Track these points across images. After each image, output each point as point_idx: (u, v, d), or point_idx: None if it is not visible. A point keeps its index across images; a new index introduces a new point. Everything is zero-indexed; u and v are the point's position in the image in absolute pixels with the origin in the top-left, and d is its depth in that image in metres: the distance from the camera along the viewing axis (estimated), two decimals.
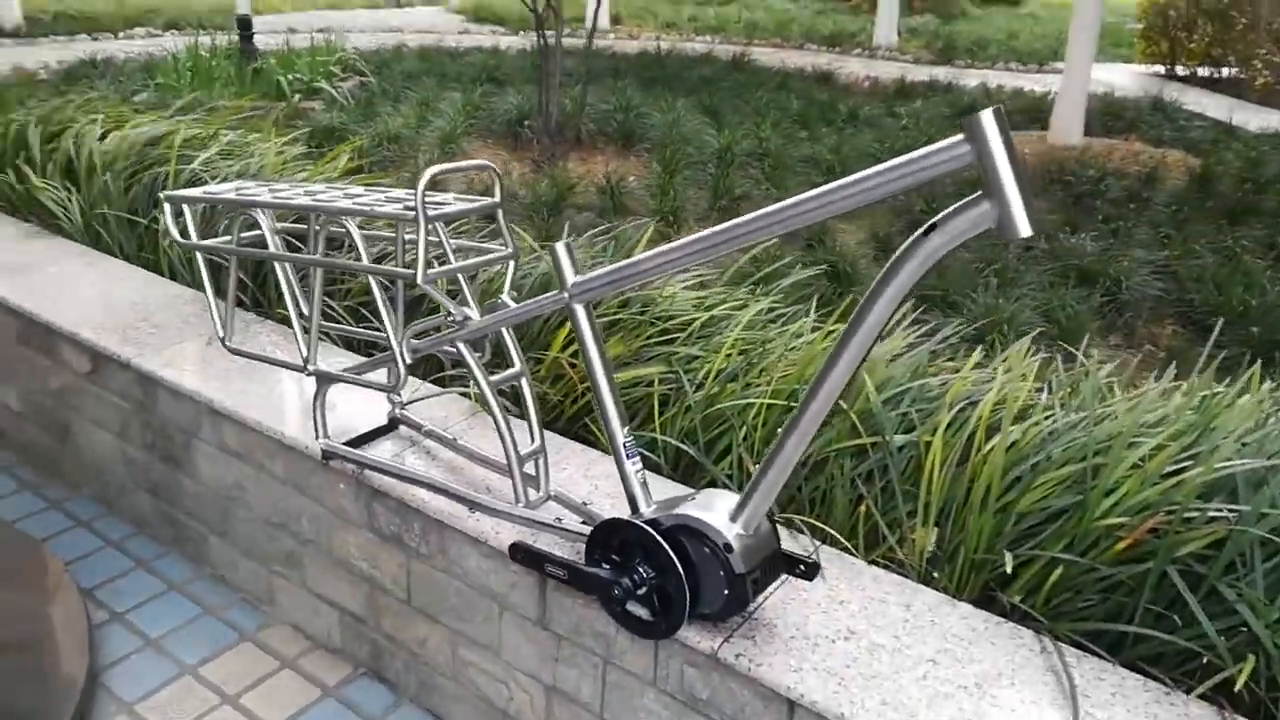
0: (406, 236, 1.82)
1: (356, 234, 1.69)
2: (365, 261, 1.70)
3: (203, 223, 2.99)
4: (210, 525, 2.42)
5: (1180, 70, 10.75)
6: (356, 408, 2.17)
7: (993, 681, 1.44)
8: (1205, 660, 1.45)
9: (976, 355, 1.91)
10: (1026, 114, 7.78)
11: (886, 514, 1.78)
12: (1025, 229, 1.07)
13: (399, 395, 2.07)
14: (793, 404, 1.94)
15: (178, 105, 4.67)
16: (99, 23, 13.08)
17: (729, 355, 2.04)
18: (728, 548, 1.42)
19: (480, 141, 6.57)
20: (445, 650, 1.97)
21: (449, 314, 1.67)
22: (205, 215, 3.01)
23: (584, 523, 1.71)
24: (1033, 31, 15.41)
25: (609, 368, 1.54)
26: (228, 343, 2.03)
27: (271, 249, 1.85)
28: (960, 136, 1.09)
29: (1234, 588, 1.43)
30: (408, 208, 1.64)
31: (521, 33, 13.88)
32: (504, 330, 1.74)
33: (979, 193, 1.10)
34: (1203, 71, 10.54)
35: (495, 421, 1.68)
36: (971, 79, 9.79)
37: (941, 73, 10.22)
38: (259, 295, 2.82)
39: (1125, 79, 10.77)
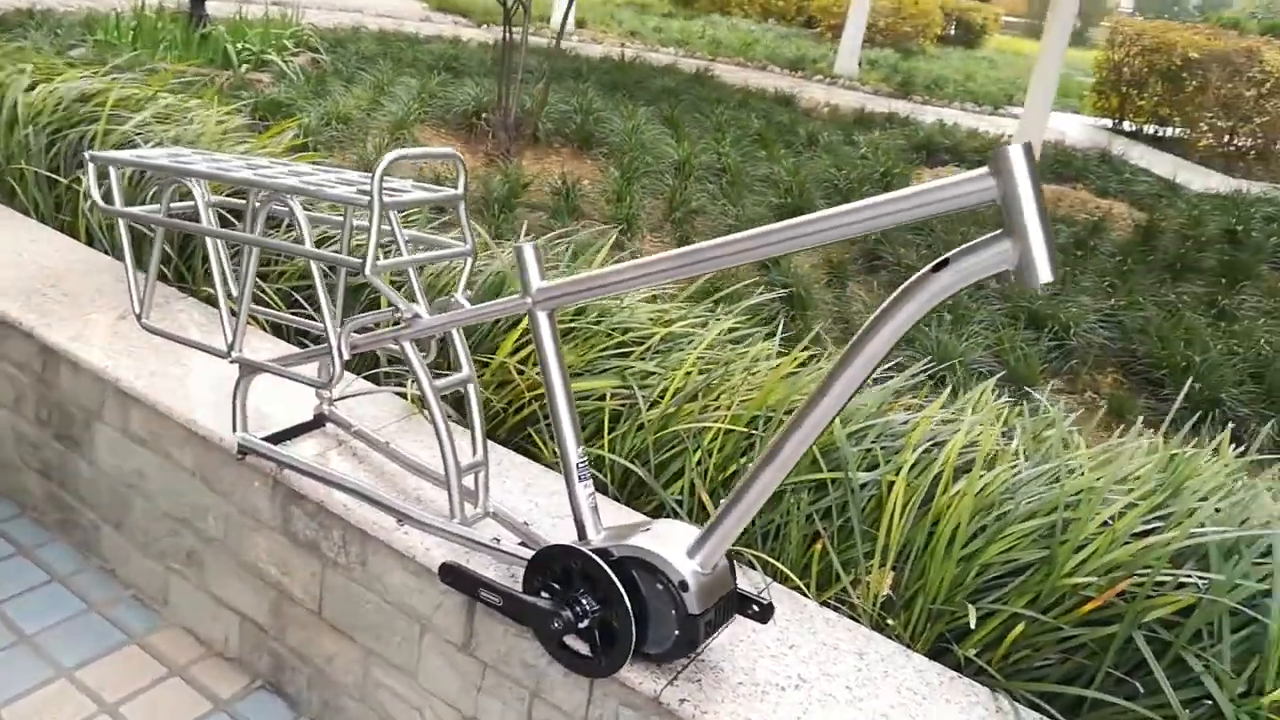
0: (355, 222, 1.67)
1: (301, 215, 1.54)
2: (309, 245, 1.54)
3: (128, 188, 2.78)
4: (104, 514, 2.21)
5: (1127, 125, 11.05)
6: (280, 400, 2.00)
7: None
8: None
9: (943, 396, 1.83)
10: (980, 153, 7.87)
11: (842, 554, 1.69)
12: (1046, 275, 0.98)
13: (329, 391, 1.91)
14: (753, 431, 1.83)
15: (115, 63, 4.40)
16: None
17: (688, 374, 1.93)
18: (683, 585, 1.31)
19: (433, 130, 6.37)
20: (356, 670, 1.82)
21: (396, 310, 1.52)
22: (131, 181, 2.80)
23: (522, 544, 1.58)
24: (988, 75, 15.70)
25: (567, 382, 1.41)
26: (144, 320, 1.85)
27: (205, 223, 1.68)
28: (984, 169, 1.00)
29: (1200, 658, 1.37)
30: (361, 191, 1.50)
31: (485, 26, 13.64)
32: (454, 331, 1.60)
33: (999, 230, 1.01)
34: (1149, 129, 10.85)
35: (436, 429, 1.54)
36: (929, 115, 9.91)
37: (900, 106, 10.33)
38: (184, 270, 2.62)
39: (1074, 129, 11.01)
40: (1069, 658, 1.47)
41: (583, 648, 1.42)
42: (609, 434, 1.93)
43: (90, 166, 1.86)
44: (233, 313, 1.71)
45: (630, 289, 1.35)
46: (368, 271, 1.44)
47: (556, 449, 1.43)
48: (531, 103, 6.56)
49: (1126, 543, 1.47)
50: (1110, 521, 1.50)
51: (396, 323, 1.54)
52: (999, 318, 3.99)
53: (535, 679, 1.54)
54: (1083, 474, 1.64)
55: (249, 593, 1.96)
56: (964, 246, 1.04)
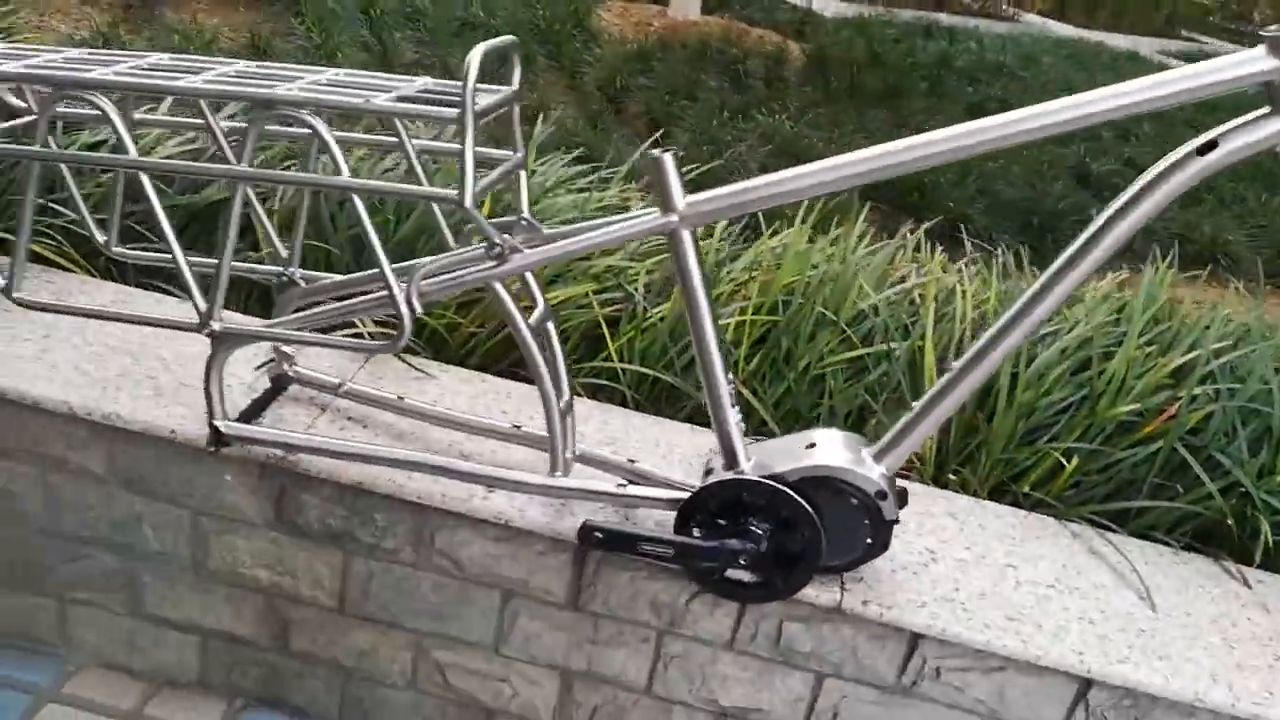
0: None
1: (329, 137, 1.15)
2: (346, 174, 1.17)
3: None
4: None
5: None
6: (193, 365, 1.57)
7: (1065, 574, 1.51)
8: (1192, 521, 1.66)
9: (938, 256, 1.92)
10: None
11: (879, 420, 1.75)
12: None
13: (291, 349, 1.54)
14: (774, 317, 1.79)
15: None
16: None
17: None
18: (881, 495, 1.29)
19: None
20: (403, 657, 1.58)
21: (492, 244, 1.23)
22: None
23: (630, 481, 1.44)
24: None
25: (713, 306, 1.27)
26: (16, 294, 1.32)
27: (133, 153, 1.21)
28: (1261, 50, 1.03)
29: (1225, 455, 1.64)
30: (435, 100, 1.16)
31: None
32: None
33: (1266, 109, 1.06)
34: None
35: (537, 375, 1.32)
36: None
37: None
38: None
39: None
40: (1112, 479, 1.68)
41: (745, 576, 1.36)
42: (614, 342, 1.79)
43: None
44: (201, 273, 1.29)
45: (796, 199, 1.23)
46: (468, 202, 1.15)
47: (701, 378, 1.30)
48: None
49: (1143, 371, 1.69)
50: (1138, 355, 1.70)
51: (496, 254, 1.24)
52: (767, 159, 4.19)
53: (669, 617, 1.45)
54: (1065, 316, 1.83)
55: (218, 605, 1.60)
56: (1232, 126, 1.07)
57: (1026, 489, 1.68)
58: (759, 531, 1.31)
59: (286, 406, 1.55)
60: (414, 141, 1.36)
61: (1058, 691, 1.40)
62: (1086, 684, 1.39)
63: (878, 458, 1.30)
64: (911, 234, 2.03)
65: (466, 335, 1.81)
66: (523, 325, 1.30)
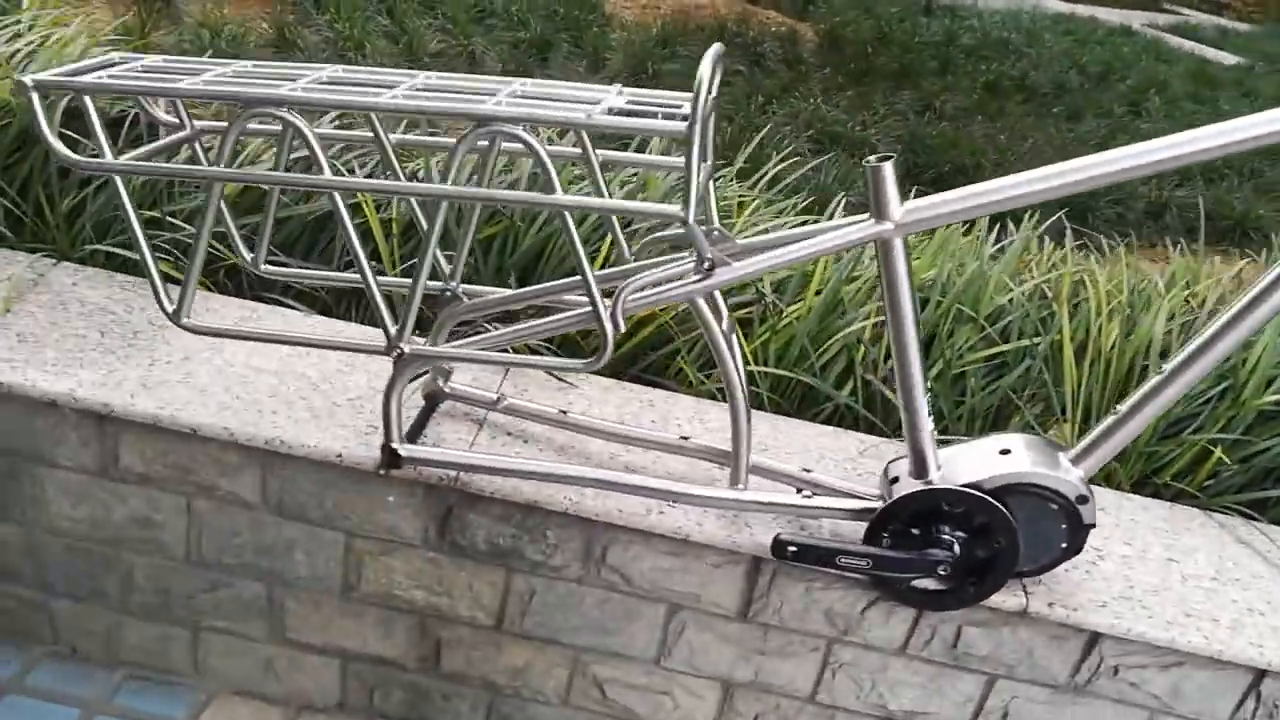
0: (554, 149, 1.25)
1: (544, 154, 1.11)
2: (560, 191, 1.13)
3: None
4: (51, 585, 1.60)
5: None
6: (339, 382, 1.53)
7: (1223, 565, 1.51)
8: None
9: (1049, 249, 1.91)
10: None
11: (1024, 418, 1.75)
12: None
13: (445, 365, 1.50)
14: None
15: None
16: None
17: (813, 264, 1.79)
18: (1081, 500, 1.28)
19: None
20: (559, 674, 1.56)
21: (702, 258, 1.19)
22: None
23: (809, 492, 1.41)
24: None
25: (919, 316, 1.25)
26: (184, 319, 1.27)
27: (327, 173, 1.16)
28: None
29: None
30: (669, 114, 1.12)
31: None
32: None
33: None
34: None
35: (731, 387, 1.29)
36: None
37: None
38: (37, 224, 1.82)
39: None
40: (1250, 468, 1.69)
41: (932, 584, 1.35)
42: (749, 344, 1.76)
43: (35, 99, 1.17)
44: (386, 295, 1.24)
45: (1011, 208, 1.20)
46: (691, 219, 1.11)
47: (898, 386, 1.28)
48: None
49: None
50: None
51: (706, 268, 1.20)
52: (808, 145, 4.15)
53: (844, 625, 1.44)
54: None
55: (368, 628, 1.56)
56: None
57: (1167, 480, 1.68)
58: (952, 540, 1.30)
59: (444, 424, 1.51)
60: (601, 153, 1.33)
61: (1233, 683, 1.41)
62: (1260, 675, 1.40)
63: (1076, 461, 1.29)
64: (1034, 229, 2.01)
65: (597, 342, 1.77)
66: (720, 338, 1.27)
